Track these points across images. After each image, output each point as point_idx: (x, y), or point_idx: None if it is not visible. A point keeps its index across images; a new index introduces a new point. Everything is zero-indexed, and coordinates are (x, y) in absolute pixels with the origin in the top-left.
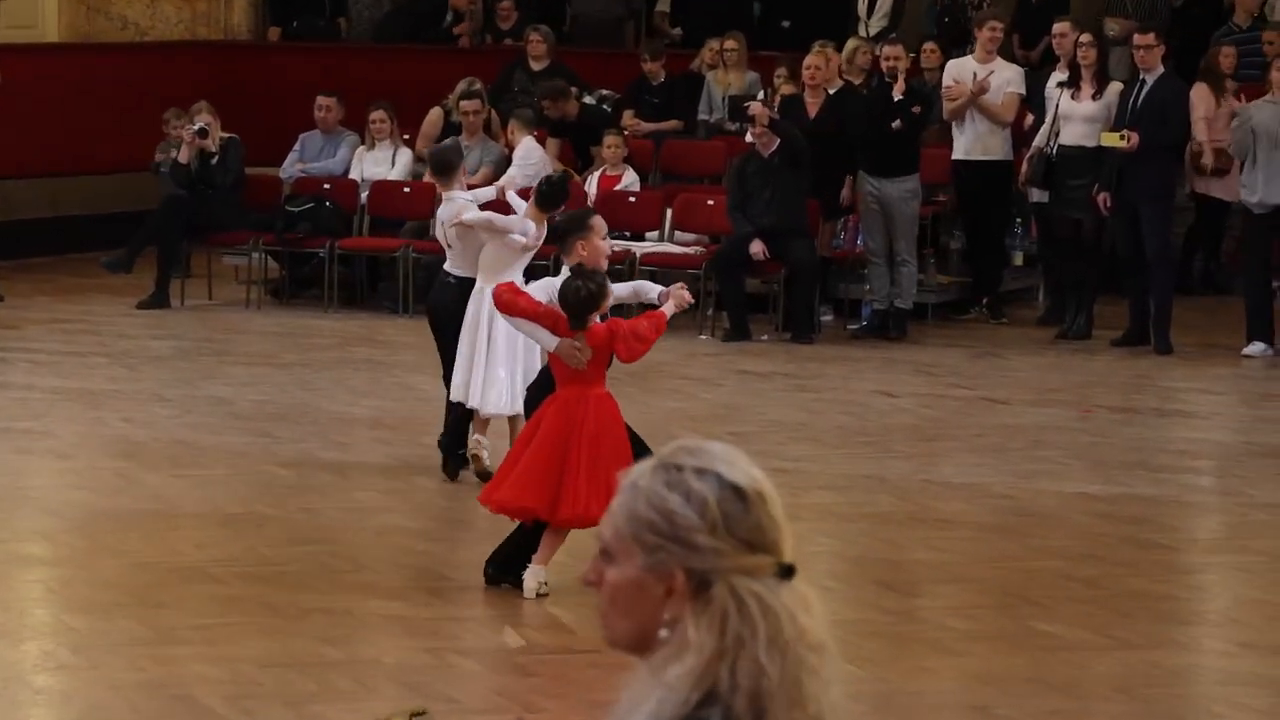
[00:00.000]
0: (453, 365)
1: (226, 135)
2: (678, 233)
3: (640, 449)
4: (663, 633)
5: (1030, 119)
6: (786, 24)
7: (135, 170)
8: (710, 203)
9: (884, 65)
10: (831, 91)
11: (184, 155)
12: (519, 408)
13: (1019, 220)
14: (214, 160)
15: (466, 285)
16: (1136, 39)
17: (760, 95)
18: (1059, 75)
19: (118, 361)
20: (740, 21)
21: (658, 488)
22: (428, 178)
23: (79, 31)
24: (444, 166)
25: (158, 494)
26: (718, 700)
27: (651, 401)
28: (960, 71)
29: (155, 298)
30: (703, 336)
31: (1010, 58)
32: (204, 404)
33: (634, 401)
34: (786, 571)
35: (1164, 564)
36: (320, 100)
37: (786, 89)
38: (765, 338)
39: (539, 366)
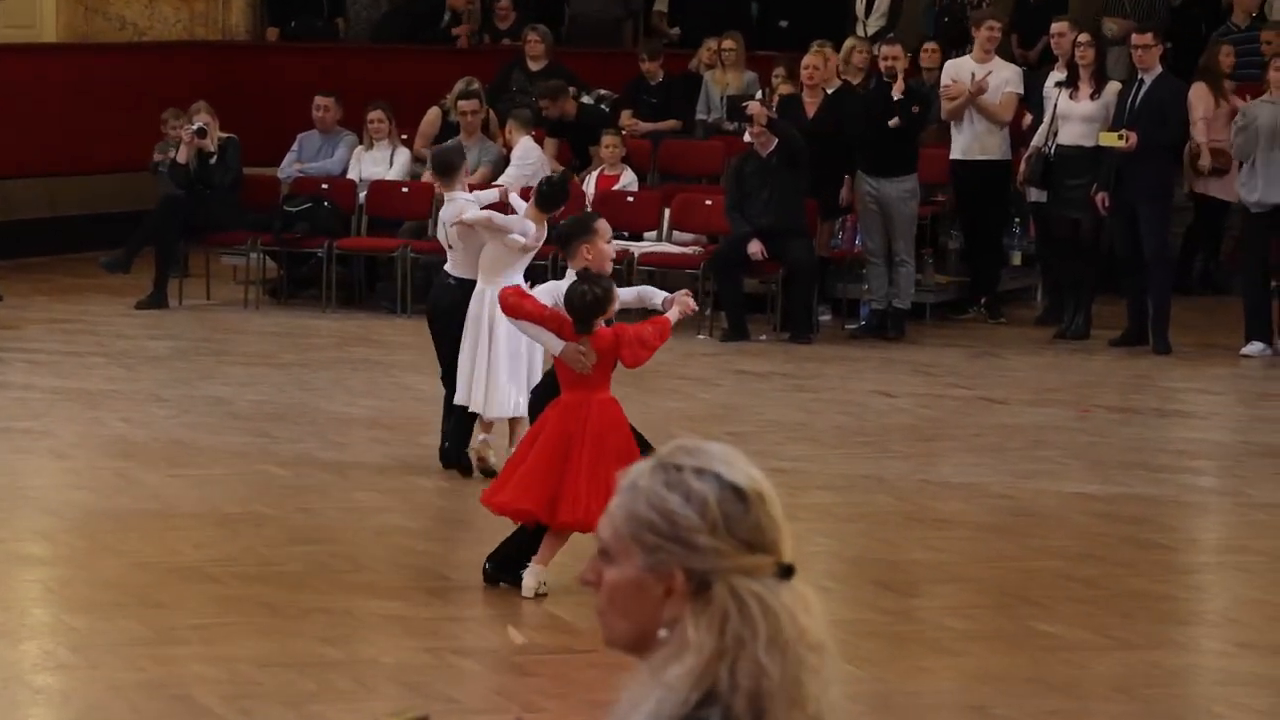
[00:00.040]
0: (450, 367)
1: (225, 135)
2: (676, 233)
3: (647, 453)
4: (662, 633)
5: (1028, 119)
6: (784, 24)
7: (133, 170)
8: (708, 203)
9: (882, 65)
10: (830, 91)
11: (183, 155)
12: (522, 411)
13: (1017, 220)
14: (213, 160)
15: (467, 287)
16: (1134, 39)
17: (758, 95)
18: (1057, 75)
19: (116, 361)
20: (738, 21)
21: (657, 488)
22: (426, 177)
23: (77, 31)
24: (446, 167)
25: (156, 494)
26: (717, 700)
27: (650, 401)
28: (958, 71)
29: (153, 298)
30: (701, 336)
31: (1009, 57)
32: (202, 404)
33: (632, 401)
34: (786, 571)
35: (1163, 564)
36: (318, 100)
37: (784, 89)
38: (763, 338)
39: (541, 367)
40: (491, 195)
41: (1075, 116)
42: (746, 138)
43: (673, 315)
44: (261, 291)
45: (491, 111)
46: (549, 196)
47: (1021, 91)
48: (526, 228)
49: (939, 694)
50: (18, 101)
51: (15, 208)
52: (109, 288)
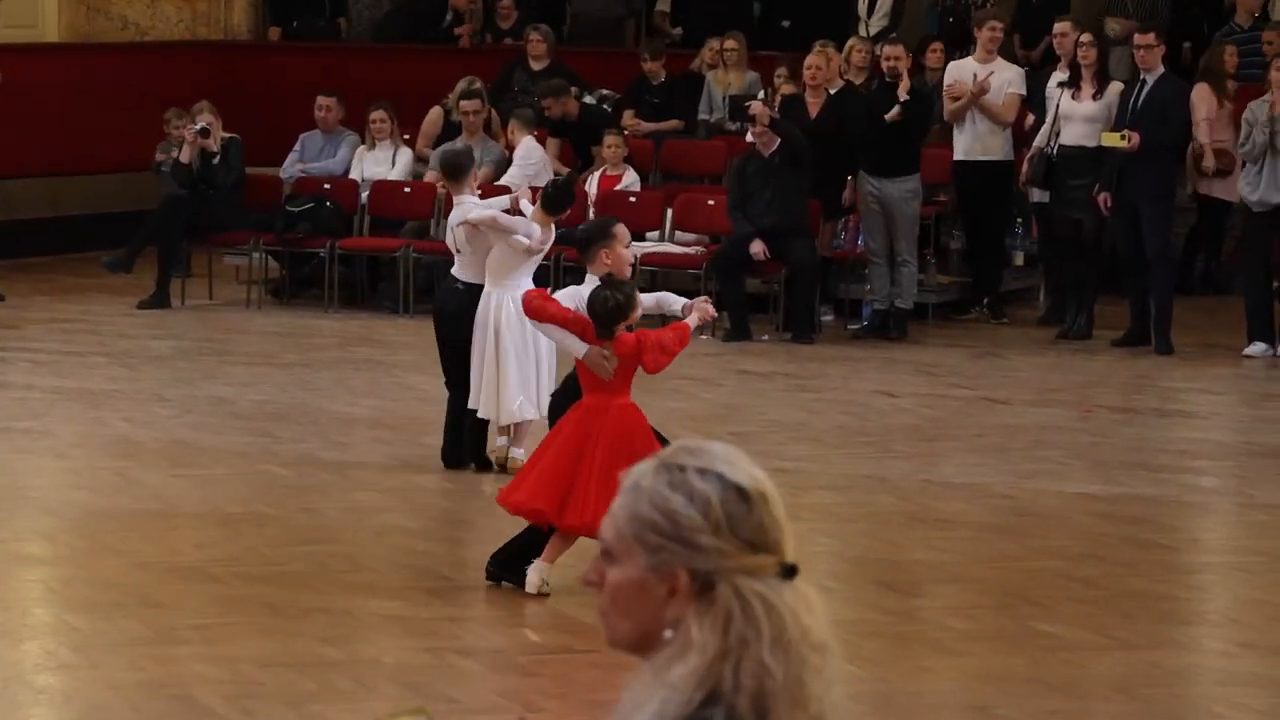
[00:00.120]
0: (453, 370)
1: (227, 135)
2: (678, 233)
3: None
4: (667, 633)
5: (1031, 119)
6: (787, 24)
7: (135, 170)
8: (710, 203)
9: (884, 65)
10: (832, 91)
11: (186, 155)
12: (528, 413)
13: (1019, 220)
14: (215, 160)
15: (475, 291)
16: (1137, 39)
17: (761, 95)
18: (1059, 75)
19: (118, 361)
20: (740, 21)
21: (660, 488)
22: (428, 177)
23: (79, 31)
24: (455, 170)
25: (158, 494)
26: (721, 700)
27: (652, 401)
28: (961, 72)
29: (155, 297)
30: (703, 336)
31: (1011, 58)
32: (204, 404)
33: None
34: (789, 571)
35: (1164, 564)
36: (320, 100)
37: (787, 89)
38: (766, 338)
39: (551, 368)
40: (502, 202)
41: (1077, 117)
42: (749, 138)
43: (692, 321)
44: (264, 291)
45: (493, 111)
46: (554, 199)
47: (1024, 92)
48: (531, 229)
49: (941, 694)
50: (19, 101)
51: (17, 207)
52: (111, 287)
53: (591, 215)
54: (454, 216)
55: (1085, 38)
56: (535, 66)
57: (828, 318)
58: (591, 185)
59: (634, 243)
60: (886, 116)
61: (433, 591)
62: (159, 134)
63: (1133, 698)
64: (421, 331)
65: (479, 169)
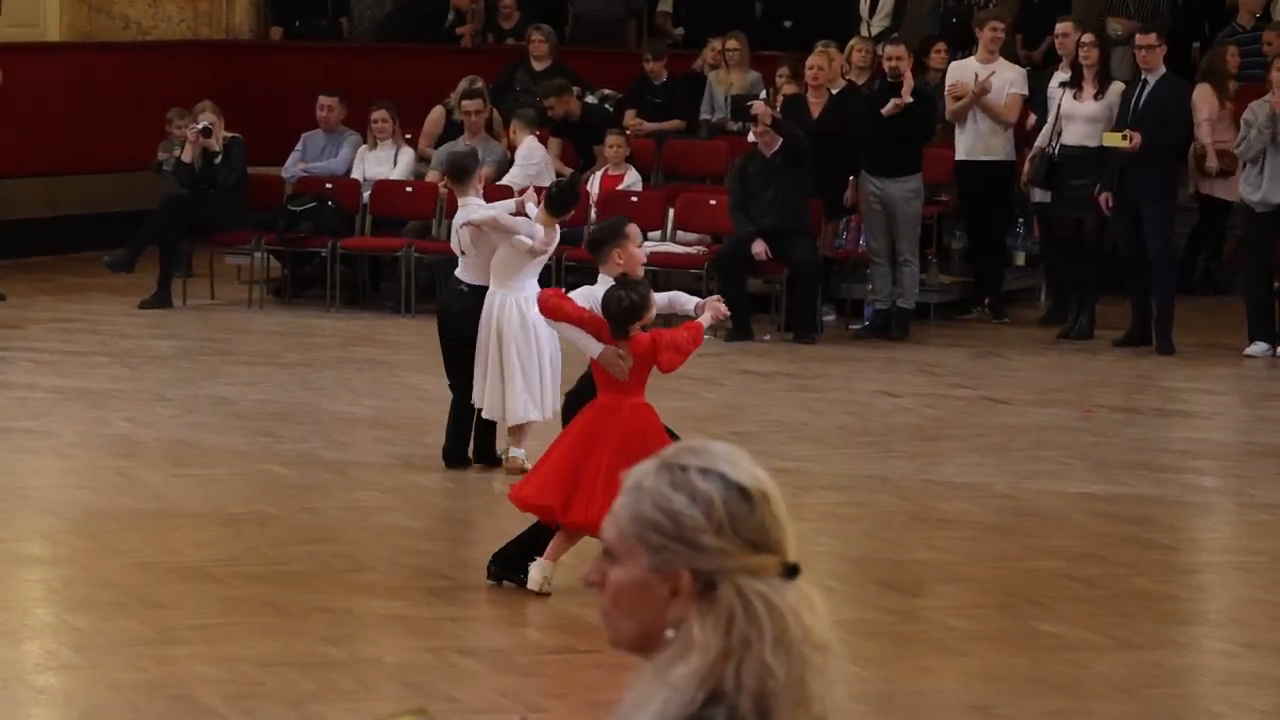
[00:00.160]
0: (457, 372)
1: (230, 135)
2: (680, 233)
3: None
4: (669, 633)
5: (1032, 119)
6: (788, 24)
7: (136, 170)
8: (712, 202)
9: (885, 65)
10: (834, 91)
11: (188, 154)
12: (531, 414)
13: (1021, 220)
14: (217, 160)
15: (479, 293)
16: (1138, 39)
17: (762, 95)
18: (1061, 75)
19: (119, 361)
20: (742, 21)
21: (662, 488)
22: (430, 177)
23: (80, 31)
24: (459, 171)
25: (159, 494)
26: (723, 700)
27: (654, 401)
28: (962, 72)
29: (157, 297)
30: (705, 336)
31: (1013, 58)
32: (206, 403)
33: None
34: (791, 571)
35: (1165, 564)
36: (322, 100)
37: (789, 89)
38: (767, 338)
39: (556, 369)
40: (509, 205)
41: (1079, 117)
42: (751, 137)
43: (705, 320)
44: (265, 291)
45: (495, 111)
46: (558, 200)
47: (1026, 92)
48: (535, 230)
49: (942, 694)
50: (21, 101)
51: (17, 207)
52: (112, 287)
53: (593, 215)
54: (458, 218)
55: (1087, 38)
56: (537, 66)
57: (829, 318)
58: (593, 185)
59: None
60: (884, 110)
61: (434, 591)
62: (160, 134)
63: (1134, 698)
64: (423, 331)
65: (482, 169)
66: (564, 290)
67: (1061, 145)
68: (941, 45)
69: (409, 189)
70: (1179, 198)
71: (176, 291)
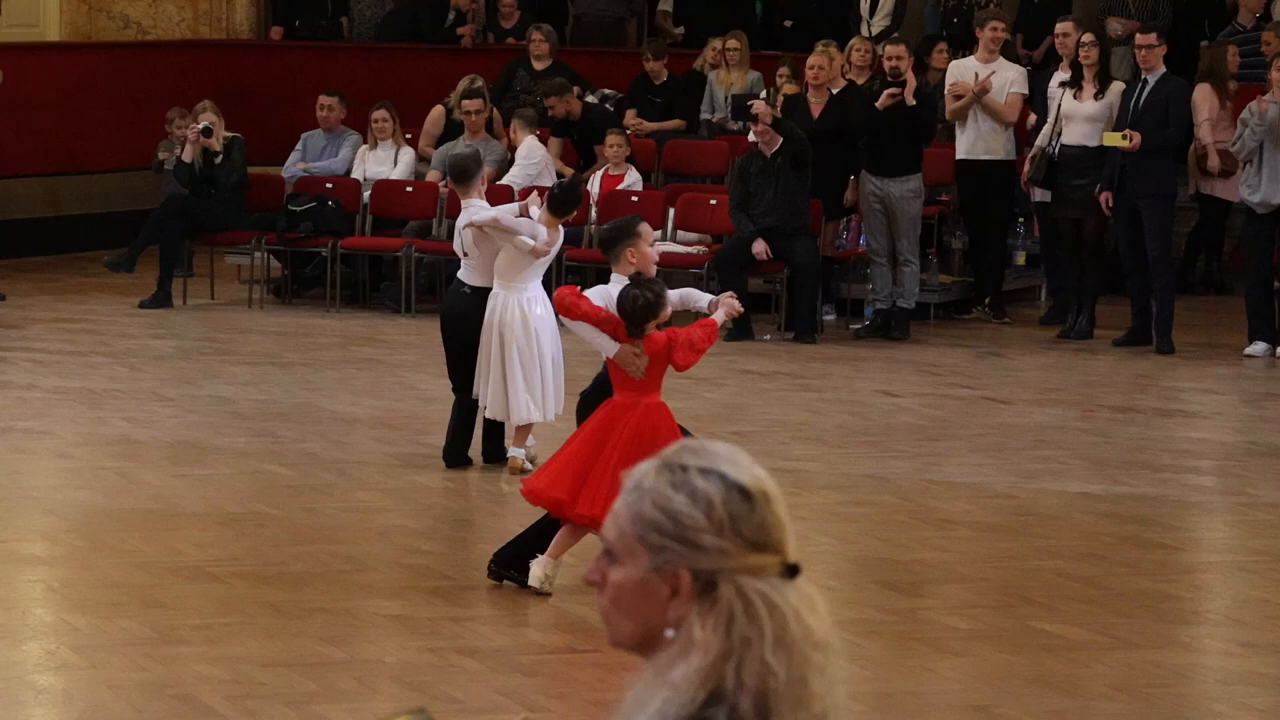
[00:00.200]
0: (459, 374)
1: (230, 134)
2: (680, 232)
3: None
4: (669, 632)
5: (1032, 118)
6: (789, 24)
7: (136, 169)
8: (713, 202)
9: (885, 64)
10: (835, 91)
11: (188, 154)
12: (532, 415)
13: (1021, 220)
14: (218, 160)
15: (481, 295)
16: (1138, 39)
17: (763, 94)
18: (1061, 75)
19: (119, 361)
20: (742, 21)
21: (662, 488)
22: (430, 177)
23: (80, 31)
24: (462, 174)
25: (159, 493)
26: (723, 700)
27: None
28: (962, 71)
29: (157, 297)
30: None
31: (1013, 58)
32: (206, 403)
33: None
34: (791, 571)
35: (1165, 564)
36: (322, 100)
37: (789, 89)
38: (768, 337)
39: (558, 370)
40: (512, 209)
41: (1079, 116)
42: (751, 137)
43: (719, 317)
44: (265, 291)
45: (495, 111)
46: (561, 200)
47: (1026, 91)
48: (537, 230)
49: (942, 693)
50: (21, 100)
51: (18, 207)
52: (112, 287)
53: (594, 214)
54: (460, 220)
55: (1087, 38)
56: (537, 66)
57: (830, 317)
58: (594, 185)
59: None
60: (877, 104)
61: (434, 591)
62: (160, 133)
63: (1134, 697)
64: (423, 331)
65: (484, 171)
66: (579, 288)
67: (1061, 145)
68: (943, 45)
69: (409, 189)
70: (1179, 198)
71: (177, 291)
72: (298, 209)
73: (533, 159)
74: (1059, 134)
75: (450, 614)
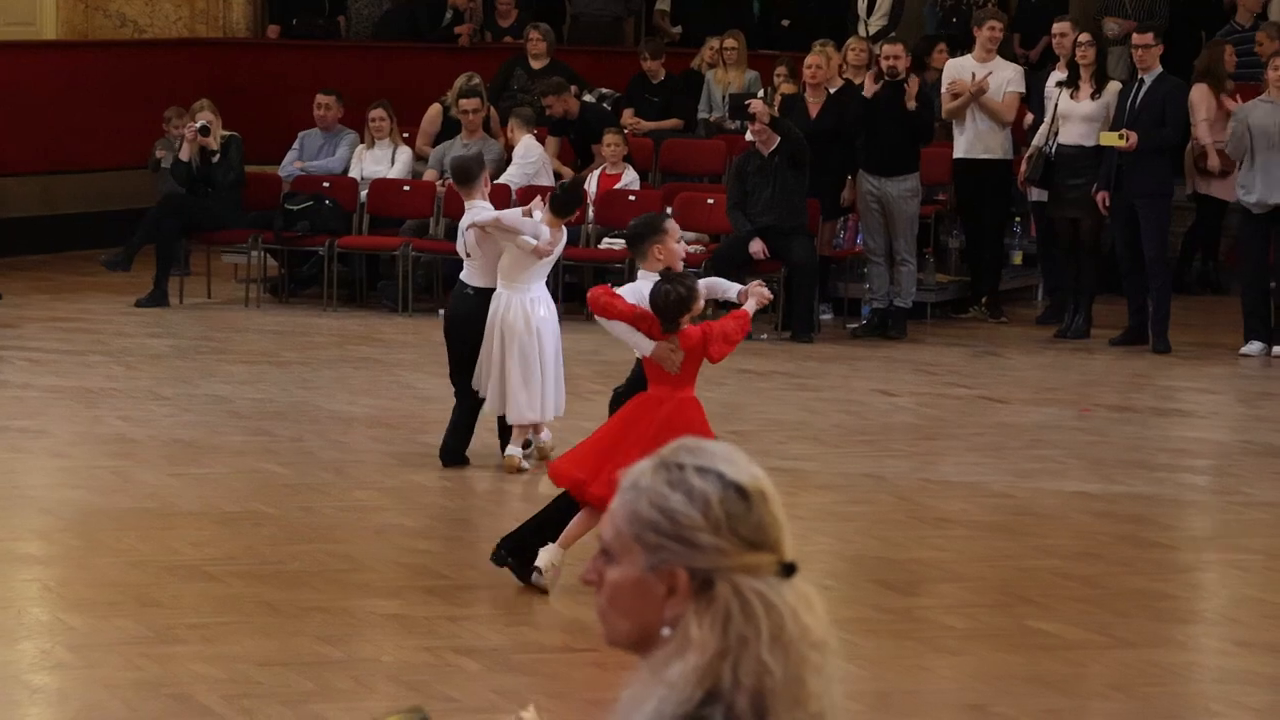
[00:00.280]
0: (461, 375)
1: (227, 133)
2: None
3: None
4: (666, 631)
5: (1029, 118)
6: (786, 23)
7: (133, 168)
8: (710, 201)
9: (883, 64)
10: (832, 91)
11: (185, 153)
12: (537, 416)
13: (1018, 220)
14: (215, 158)
15: (484, 296)
16: (1135, 39)
17: (760, 94)
18: (1058, 75)
19: (115, 360)
20: (740, 20)
21: (659, 487)
22: (427, 176)
23: (77, 29)
24: (465, 176)
25: (155, 493)
26: (720, 699)
27: None
28: (960, 71)
29: (153, 296)
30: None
31: (1010, 57)
32: (202, 402)
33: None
34: (788, 570)
35: (1162, 562)
36: (319, 99)
37: (787, 88)
38: (765, 337)
39: (559, 370)
40: (515, 213)
41: (1076, 116)
42: (748, 136)
43: (750, 307)
44: (262, 290)
45: (493, 110)
46: (563, 201)
47: (1023, 91)
48: (540, 230)
49: (938, 692)
50: (17, 99)
51: (13, 205)
52: (109, 286)
53: (592, 214)
54: (464, 221)
55: (1084, 37)
56: (535, 65)
57: (827, 317)
58: (591, 184)
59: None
60: (865, 93)
61: (431, 590)
62: (157, 132)
63: (1130, 696)
64: (421, 330)
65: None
66: (611, 286)
67: (1058, 145)
68: (943, 45)
69: (406, 188)
70: (1175, 197)
71: (173, 290)
72: (295, 208)
73: (530, 158)
74: (1056, 134)
75: (447, 613)
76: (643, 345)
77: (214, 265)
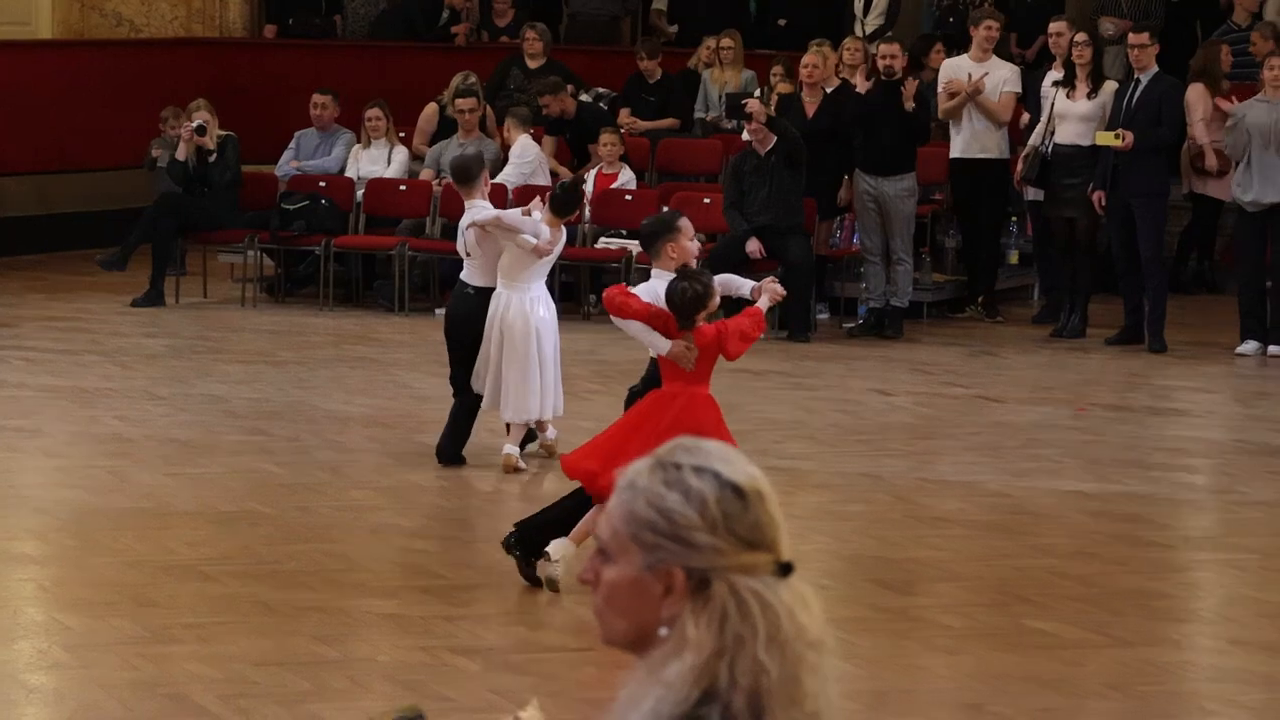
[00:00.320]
0: (461, 375)
1: (224, 133)
2: None
3: None
4: (662, 631)
5: (1026, 118)
6: (783, 22)
7: (129, 168)
8: (707, 201)
9: (880, 64)
10: (829, 90)
11: (182, 152)
12: (536, 415)
13: (1014, 219)
14: (212, 158)
15: (484, 295)
16: (1131, 38)
17: (757, 93)
18: (1054, 74)
19: (111, 359)
20: (736, 20)
21: (656, 486)
22: (424, 175)
23: (73, 29)
24: (464, 176)
25: (151, 492)
26: (717, 698)
27: None
28: (956, 70)
29: (149, 295)
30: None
31: (1006, 57)
32: (198, 402)
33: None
34: (785, 569)
35: (1157, 561)
36: (316, 98)
37: (783, 87)
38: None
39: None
40: (515, 214)
41: (1072, 116)
42: (745, 136)
43: (763, 304)
44: (259, 289)
45: (489, 109)
46: (562, 201)
47: (1019, 90)
48: (539, 229)
49: (935, 691)
50: (13, 99)
51: (9, 205)
52: (104, 285)
53: (588, 213)
54: (463, 220)
55: (1080, 37)
56: (531, 65)
57: (823, 316)
58: (587, 183)
59: (631, 241)
60: (857, 89)
61: (428, 590)
62: (153, 132)
63: (1126, 695)
64: (417, 330)
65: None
66: (627, 285)
67: (1054, 144)
68: (940, 45)
69: (402, 187)
70: (1171, 197)
71: (169, 290)
72: (291, 207)
73: (527, 158)
74: (1052, 133)
75: (443, 613)
76: (658, 344)
77: (210, 265)
